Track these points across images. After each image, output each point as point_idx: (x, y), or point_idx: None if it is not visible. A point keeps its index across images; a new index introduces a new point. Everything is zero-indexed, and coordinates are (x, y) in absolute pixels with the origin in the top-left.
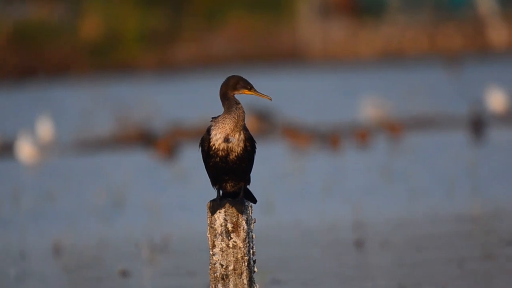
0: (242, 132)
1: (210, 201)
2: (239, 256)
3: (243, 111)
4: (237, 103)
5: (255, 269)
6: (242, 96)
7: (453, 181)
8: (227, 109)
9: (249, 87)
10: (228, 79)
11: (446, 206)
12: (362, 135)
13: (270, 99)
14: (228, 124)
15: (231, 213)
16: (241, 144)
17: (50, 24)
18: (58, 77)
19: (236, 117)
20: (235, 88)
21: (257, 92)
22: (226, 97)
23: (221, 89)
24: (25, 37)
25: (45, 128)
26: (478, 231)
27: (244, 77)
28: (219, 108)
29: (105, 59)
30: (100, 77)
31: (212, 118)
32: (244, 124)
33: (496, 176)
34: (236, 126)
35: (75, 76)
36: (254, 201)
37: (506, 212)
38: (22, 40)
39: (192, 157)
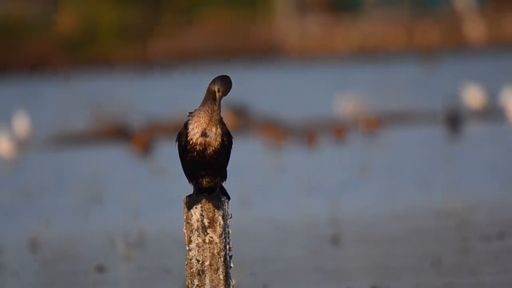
0: (218, 126)
1: (187, 196)
2: (215, 251)
3: (218, 104)
4: (214, 98)
5: (232, 265)
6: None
7: (429, 176)
8: (203, 103)
9: (220, 92)
10: (218, 76)
11: (423, 201)
12: (338, 130)
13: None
14: (202, 118)
15: (207, 208)
16: (219, 139)
17: (27, 19)
18: (35, 72)
19: (210, 110)
20: (212, 84)
21: (219, 101)
22: (208, 91)
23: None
24: (1, 32)
25: (21, 123)
26: (454, 226)
27: (231, 79)
28: (196, 104)
29: (82, 54)
30: (77, 72)
31: (189, 113)
32: (221, 118)
33: (472, 171)
34: (211, 119)
35: (52, 71)
36: (228, 197)
37: (482, 207)
38: None
39: (168, 153)
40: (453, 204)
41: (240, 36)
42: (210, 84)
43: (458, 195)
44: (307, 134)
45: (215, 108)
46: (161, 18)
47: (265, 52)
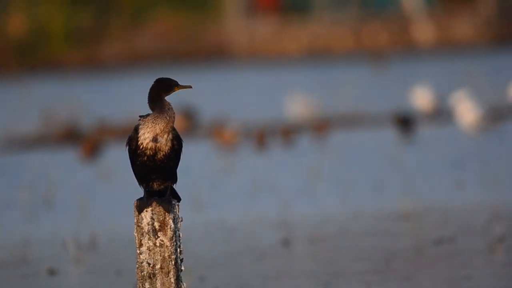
0: (171, 133)
1: (137, 199)
2: (166, 254)
3: (174, 113)
4: (169, 104)
5: (182, 268)
6: (169, 96)
7: (381, 179)
8: (160, 110)
9: (177, 83)
10: (160, 81)
11: (375, 203)
12: (285, 133)
13: (191, 87)
14: (158, 125)
15: (158, 211)
16: (169, 144)
17: None
18: None
19: (168, 118)
20: (169, 90)
21: (182, 85)
22: (159, 99)
23: (153, 92)
24: None
25: None
26: (407, 228)
27: (165, 76)
28: (145, 106)
29: (31, 57)
30: (27, 74)
31: (140, 116)
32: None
33: (424, 173)
34: (166, 127)
35: (1, 73)
36: (179, 199)
37: (434, 210)
38: None
39: (118, 156)
40: (405, 206)
41: (190, 38)
42: (160, 91)
43: (410, 198)
44: (256, 136)
45: (172, 113)
46: (110, 21)
47: (215, 54)
